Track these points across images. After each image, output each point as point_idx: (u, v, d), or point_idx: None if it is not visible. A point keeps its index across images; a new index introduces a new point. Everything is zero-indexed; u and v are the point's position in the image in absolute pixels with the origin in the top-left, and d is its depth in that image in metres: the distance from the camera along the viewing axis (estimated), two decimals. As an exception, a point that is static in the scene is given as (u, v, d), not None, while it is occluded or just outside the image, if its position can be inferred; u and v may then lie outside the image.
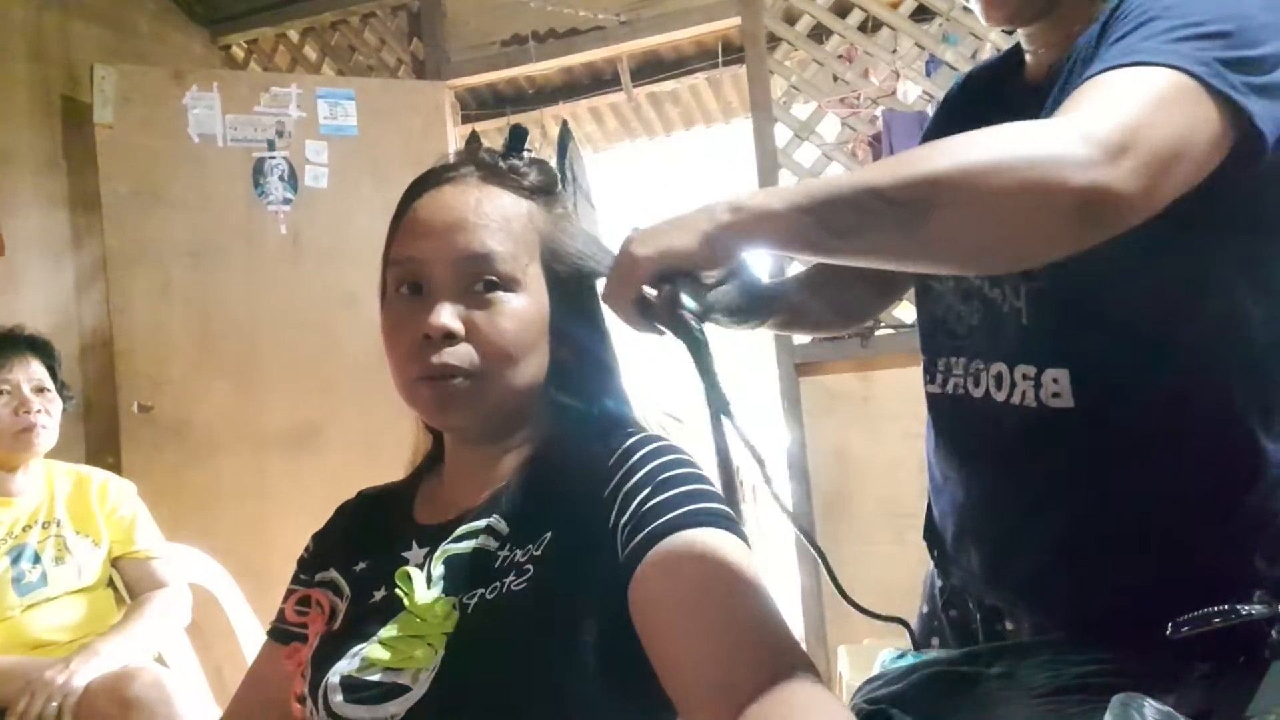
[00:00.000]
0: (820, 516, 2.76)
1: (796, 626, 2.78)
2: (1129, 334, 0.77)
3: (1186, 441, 0.78)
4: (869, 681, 0.82)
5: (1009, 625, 0.90)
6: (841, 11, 2.81)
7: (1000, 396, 0.86)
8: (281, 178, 2.91)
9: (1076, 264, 0.68)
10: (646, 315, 0.76)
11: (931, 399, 1.00)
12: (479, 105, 3.80)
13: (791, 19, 2.86)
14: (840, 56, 2.81)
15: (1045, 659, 0.76)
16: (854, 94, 2.79)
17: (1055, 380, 0.81)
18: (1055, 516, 0.83)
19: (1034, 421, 0.82)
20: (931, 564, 1.09)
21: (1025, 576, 0.86)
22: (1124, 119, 0.63)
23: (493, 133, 3.91)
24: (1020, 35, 0.94)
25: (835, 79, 2.83)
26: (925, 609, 1.09)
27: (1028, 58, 0.95)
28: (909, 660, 0.87)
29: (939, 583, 1.05)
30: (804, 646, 2.65)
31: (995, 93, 0.98)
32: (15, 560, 1.84)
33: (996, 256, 0.68)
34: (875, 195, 0.65)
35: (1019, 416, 0.84)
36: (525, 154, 0.86)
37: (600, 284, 0.83)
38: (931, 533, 1.08)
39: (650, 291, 0.74)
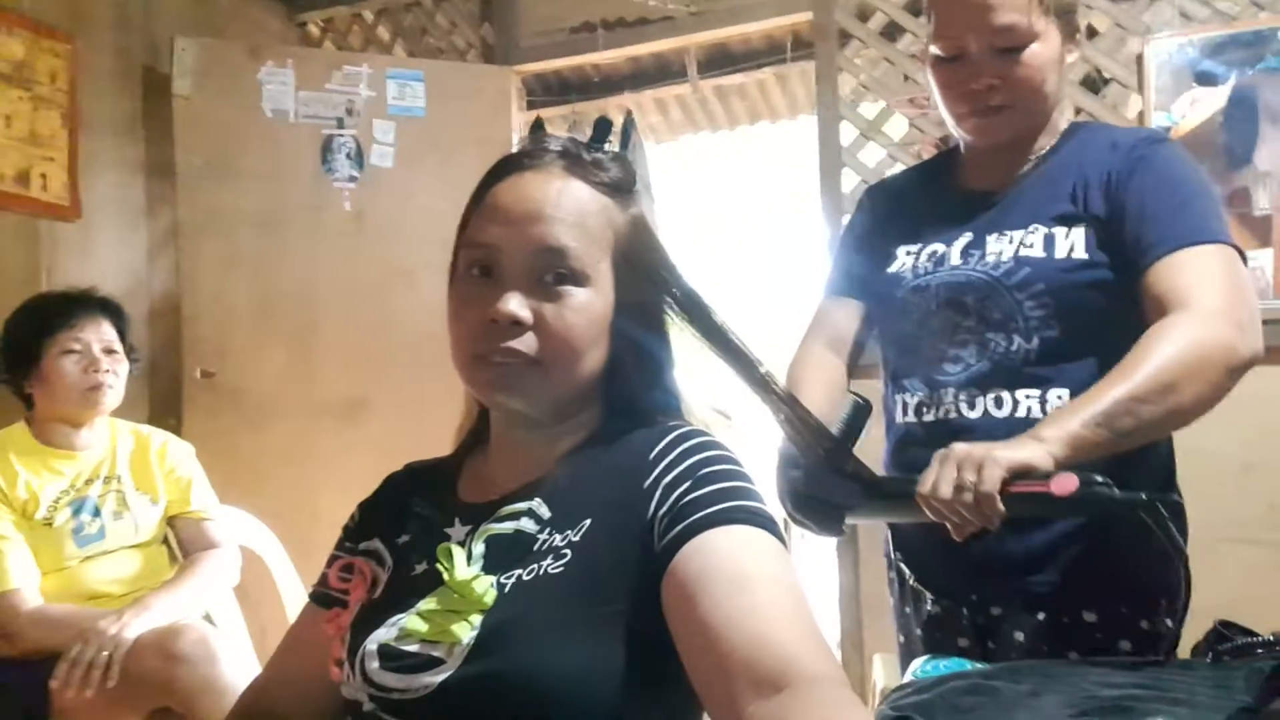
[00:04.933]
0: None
1: (833, 632, 2.76)
2: (1102, 369, 1.06)
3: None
4: (898, 689, 0.82)
5: (995, 611, 1.17)
6: (916, 10, 2.76)
7: (1000, 414, 1.15)
8: (349, 155, 2.96)
9: (1083, 328, 1.12)
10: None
11: (909, 429, 1.24)
12: (545, 92, 3.82)
13: (864, 15, 2.82)
14: (913, 56, 2.77)
15: (1081, 679, 0.75)
16: (924, 95, 2.74)
17: (1059, 398, 1.13)
18: None
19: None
20: (897, 594, 1.30)
21: (1023, 553, 1.13)
22: (1236, 300, 1.04)
23: (557, 120, 3.93)
24: (981, 152, 1.25)
25: (905, 78, 2.79)
26: (902, 638, 1.32)
27: (974, 169, 1.28)
28: (942, 670, 0.87)
29: (916, 607, 1.25)
30: (839, 652, 2.60)
31: (932, 194, 1.31)
32: (76, 512, 1.91)
33: (1208, 410, 1.02)
34: (1139, 401, 0.97)
35: (1025, 426, 1.08)
36: (608, 146, 0.86)
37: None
38: (908, 555, 1.28)
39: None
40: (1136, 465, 1.07)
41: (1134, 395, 0.97)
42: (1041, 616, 1.13)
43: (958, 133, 1.26)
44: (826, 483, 1.08)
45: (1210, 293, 1.04)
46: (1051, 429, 0.97)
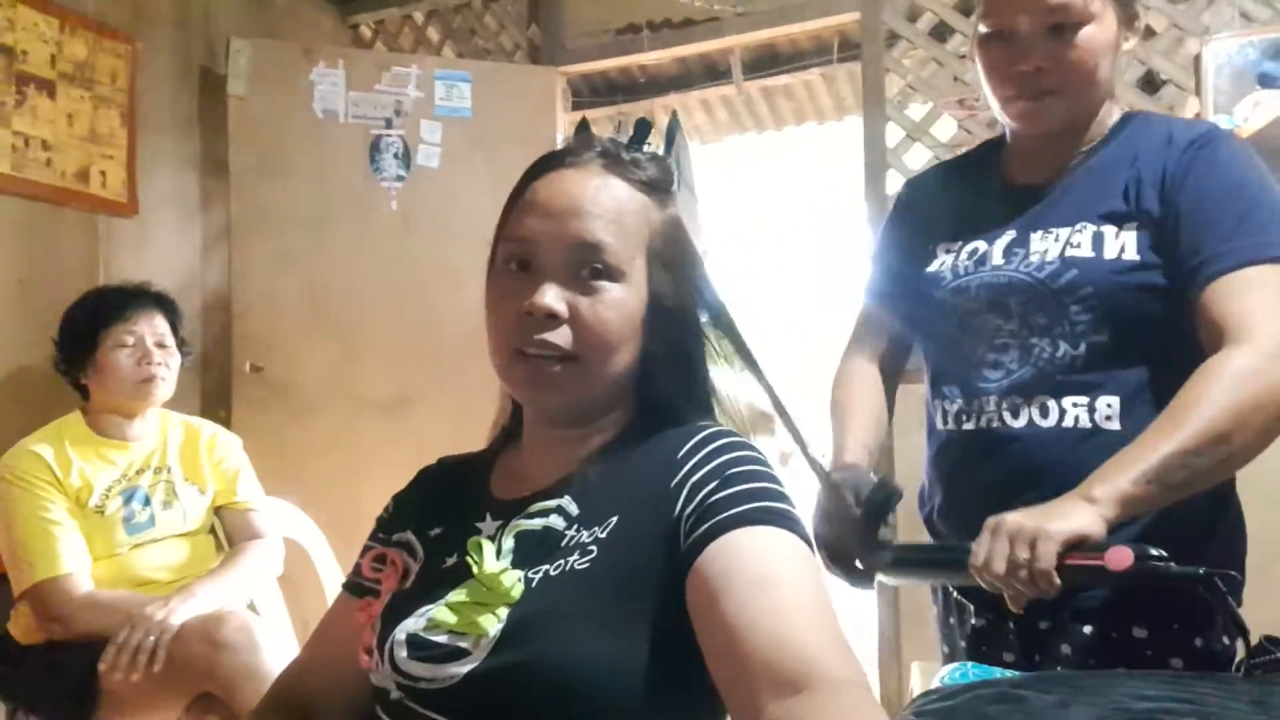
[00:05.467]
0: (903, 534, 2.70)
1: (870, 639, 2.73)
2: (1154, 375, 1.07)
3: None
4: (923, 695, 0.81)
5: (1043, 625, 1.11)
6: (966, 10, 2.72)
7: (1046, 424, 1.10)
8: (396, 155, 3.00)
9: (1133, 333, 1.07)
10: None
11: (949, 437, 1.20)
12: (591, 92, 3.84)
13: (913, 16, 2.79)
14: (962, 56, 2.73)
15: (1112, 691, 0.74)
16: (974, 96, 2.70)
17: (1109, 405, 1.09)
18: None
19: (1085, 435, 1.09)
20: (940, 604, 1.27)
21: None
22: None
23: (603, 121, 3.95)
24: (1028, 142, 1.20)
25: (955, 79, 2.75)
26: (946, 649, 1.22)
27: (1019, 161, 1.22)
28: (970, 678, 0.86)
29: (960, 619, 1.21)
30: (877, 660, 2.55)
31: (974, 188, 1.25)
32: (127, 501, 1.96)
33: (1264, 450, 0.98)
34: (1191, 454, 0.94)
35: (1073, 436, 1.09)
36: (647, 147, 0.87)
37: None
38: None
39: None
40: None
41: (1185, 449, 0.94)
42: (1089, 630, 1.09)
43: (1003, 119, 1.20)
44: (856, 545, 1.08)
45: (1270, 323, 0.98)
46: (1102, 487, 0.94)
